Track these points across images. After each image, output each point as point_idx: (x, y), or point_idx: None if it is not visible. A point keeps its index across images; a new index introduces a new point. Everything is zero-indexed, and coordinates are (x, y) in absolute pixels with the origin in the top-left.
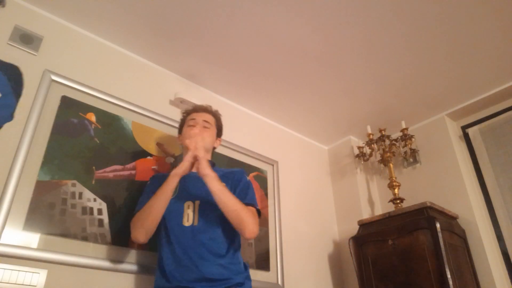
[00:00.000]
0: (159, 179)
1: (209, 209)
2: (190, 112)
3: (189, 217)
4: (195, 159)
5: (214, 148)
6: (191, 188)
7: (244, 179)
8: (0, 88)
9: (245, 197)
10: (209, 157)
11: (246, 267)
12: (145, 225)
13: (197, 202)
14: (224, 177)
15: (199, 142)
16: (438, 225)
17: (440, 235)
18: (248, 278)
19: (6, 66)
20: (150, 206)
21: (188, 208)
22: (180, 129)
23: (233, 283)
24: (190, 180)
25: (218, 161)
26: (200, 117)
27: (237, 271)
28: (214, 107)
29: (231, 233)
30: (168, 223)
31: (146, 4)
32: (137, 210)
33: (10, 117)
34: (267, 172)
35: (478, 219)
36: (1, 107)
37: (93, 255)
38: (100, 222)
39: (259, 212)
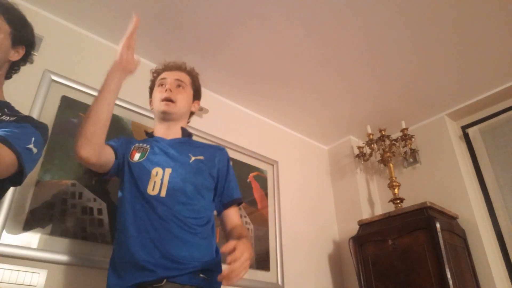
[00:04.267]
0: (126, 140)
1: (181, 179)
2: (160, 71)
3: (155, 185)
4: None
5: (192, 113)
6: (161, 154)
7: (230, 164)
8: (36, 145)
9: (234, 192)
10: (185, 120)
11: (217, 252)
12: (93, 132)
13: (168, 170)
14: (206, 152)
15: None
16: (438, 225)
17: (440, 235)
18: (218, 265)
19: (41, 125)
20: (90, 110)
21: (156, 174)
22: (151, 92)
23: (193, 269)
24: (164, 146)
25: None
26: (172, 76)
27: (205, 254)
28: (214, 107)
29: (204, 211)
30: (130, 189)
31: (146, 4)
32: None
33: (32, 170)
34: (267, 172)
35: (478, 219)
36: (32, 161)
37: (93, 255)
38: (100, 222)
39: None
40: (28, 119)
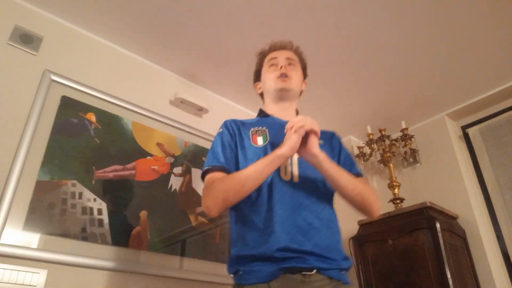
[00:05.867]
0: (236, 125)
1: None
2: (267, 52)
3: (286, 170)
4: (309, 133)
5: (301, 92)
6: (280, 137)
7: (343, 144)
8: None
9: (352, 167)
10: (296, 105)
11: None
12: (228, 199)
13: (295, 155)
14: (322, 136)
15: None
16: (438, 225)
17: (440, 235)
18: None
19: None
20: (239, 180)
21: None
22: (257, 75)
23: (338, 267)
24: (281, 128)
25: None
26: (283, 54)
27: (343, 253)
28: (214, 107)
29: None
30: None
31: (146, 4)
32: (210, 165)
33: None
34: None
35: (478, 219)
36: None
37: (93, 255)
38: (100, 222)
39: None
40: None
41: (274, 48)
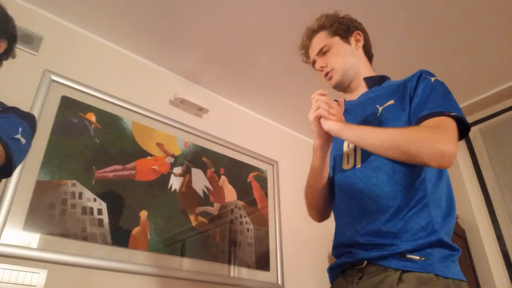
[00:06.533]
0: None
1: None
2: (305, 53)
3: (349, 158)
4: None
5: (364, 49)
6: (351, 120)
7: (423, 78)
8: (24, 135)
9: (424, 107)
10: (364, 66)
11: (434, 230)
12: (309, 202)
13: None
14: (394, 94)
15: (314, 106)
16: None
17: None
18: (438, 241)
19: (28, 115)
20: (307, 183)
21: (348, 146)
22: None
23: (396, 251)
24: (352, 109)
25: (218, 161)
26: (313, 51)
27: (411, 234)
28: (214, 107)
29: (407, 178)
30: (331, 170)
31: (146, 4)
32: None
33: (22, 161)
34: (267, 172)
35: (478, 219)
36: (21, 151)
37: (93, 255)
38: (100, 222)
39: (458, 120)
40: (13, 110)
41: (304, 46)
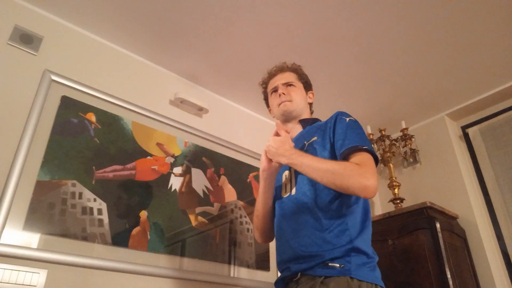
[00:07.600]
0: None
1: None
2: (267, 80)
3: (286, 187)
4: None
5: (310, 104)
6: None
7: (340, 119)
8: None
9: (343, 143)
10: (307, 114)
11: (351, 240)
12: (256, 225)
13: (293, 169)
14: (317, 132)
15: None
16: (438, 225)
17: (440, 235)
18: (355, 250)
19: None
20: (255, 208)
21: (286, 177)
22: (267, 103)
23: (320, 261)
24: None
25: (218, 161)
26: (279, 80)
27: (332, 245)
28: (214, 107)
29: (328, 199)
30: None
31: (146, 4)
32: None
33: None
34: None
35: (478, 219)
36: None
37: (93, 255)
38: (100, 222)
39: (372, 154)
40: None
41: (271, 75)
